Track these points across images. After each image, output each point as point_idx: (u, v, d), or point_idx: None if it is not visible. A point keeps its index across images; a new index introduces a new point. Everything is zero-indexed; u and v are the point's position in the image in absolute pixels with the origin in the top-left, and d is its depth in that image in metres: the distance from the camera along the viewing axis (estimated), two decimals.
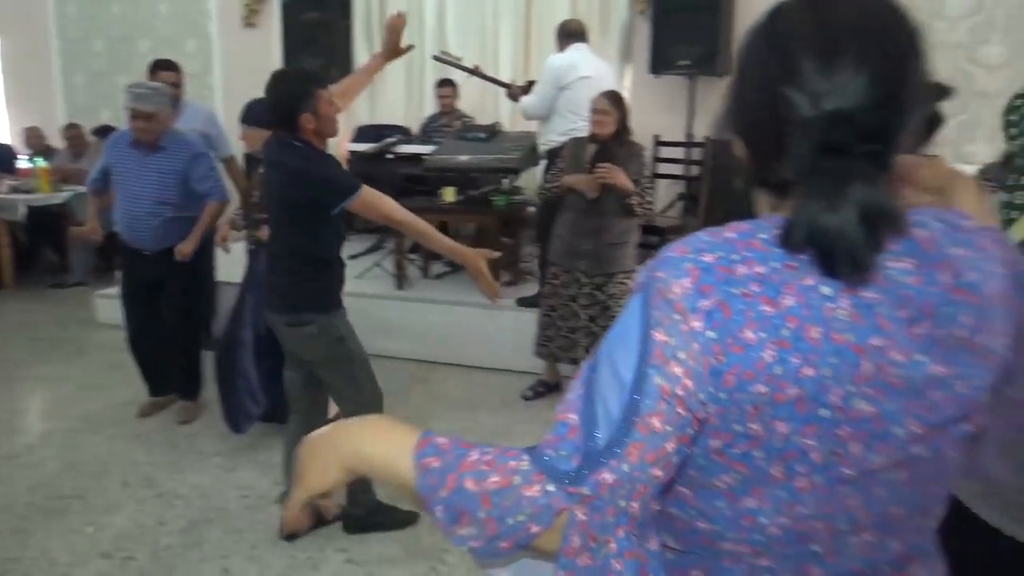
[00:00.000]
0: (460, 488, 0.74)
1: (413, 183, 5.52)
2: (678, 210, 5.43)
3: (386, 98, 6.67)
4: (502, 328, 4.33)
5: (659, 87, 5.66)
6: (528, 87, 4.77)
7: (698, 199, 4.84)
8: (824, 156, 0.70)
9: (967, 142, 5.28)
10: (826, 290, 0.71)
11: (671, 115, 5.51)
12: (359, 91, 3.05)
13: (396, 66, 6.53)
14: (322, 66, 6.22)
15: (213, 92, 6.95)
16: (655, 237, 4.63)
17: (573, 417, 0.74)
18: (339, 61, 6.32)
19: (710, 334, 0.70)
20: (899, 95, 0.70)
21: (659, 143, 5.24)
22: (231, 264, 3.89)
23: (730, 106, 0.80)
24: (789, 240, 0.72)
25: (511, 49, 6.25)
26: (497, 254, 2.49)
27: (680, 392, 0.70)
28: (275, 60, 6.56)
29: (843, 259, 0.70)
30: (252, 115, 3.23)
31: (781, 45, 0.73)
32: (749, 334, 0.70)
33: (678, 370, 0.70)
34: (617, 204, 3.57)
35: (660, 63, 5.35)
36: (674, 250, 0.75)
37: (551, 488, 0.72)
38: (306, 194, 2.42)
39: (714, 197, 4.60)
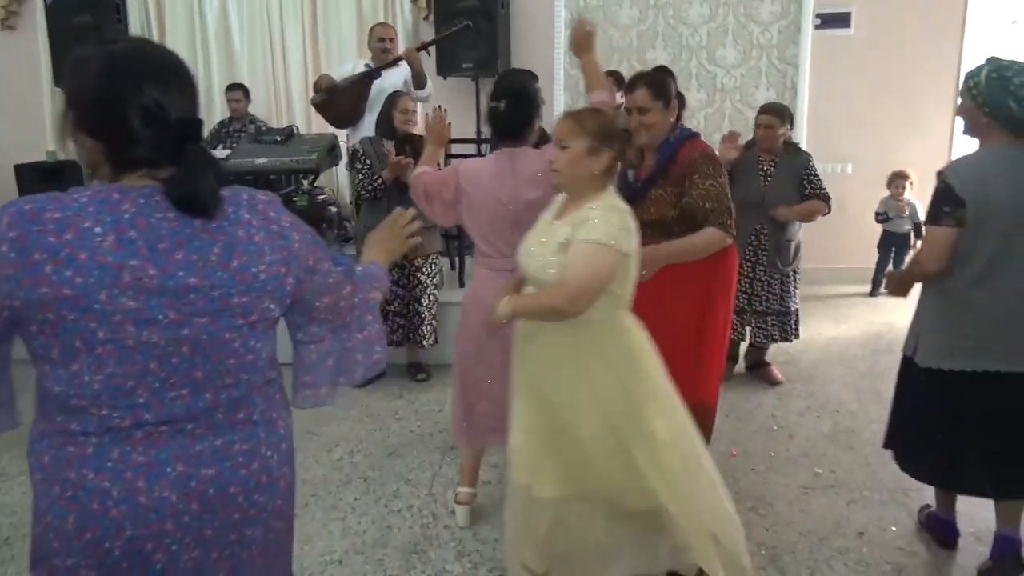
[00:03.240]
0: None
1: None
2: None
3: None
4: None
5: (447, 89, 5.99)
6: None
7: None
8: (182, 143, 1.15)
9: (715, 131, 6.11)
10: (97, 230, 1.11)
11: (459, 115, 5.84)
12: None
13: None
14: None
15: None
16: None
17: None
18: None
19: (11, 255, 1.09)
20: (196, 109, 1.21)
21: (449, 140, 5.54)
22: None
23: (75, 116, 1.17)
24: (171, 194, 1.14)
25: (299, 51, 6.31)
26: None
27: None
28: (42, 66, 6.18)
29: (198, 205, 1.15)
30: None
31: (127, 76, 1.14)
32: (36, 255, 1.09)
33: None
34: None
35: (446, 66, 5.70)
36: (21, 201, 1.13)
37: None
38: None
39: None
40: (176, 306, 1.14)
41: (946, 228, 2.28)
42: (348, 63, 5.12)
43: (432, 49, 5.67)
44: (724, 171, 2.60)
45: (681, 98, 2.70)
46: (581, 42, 2.69)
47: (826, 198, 3.89)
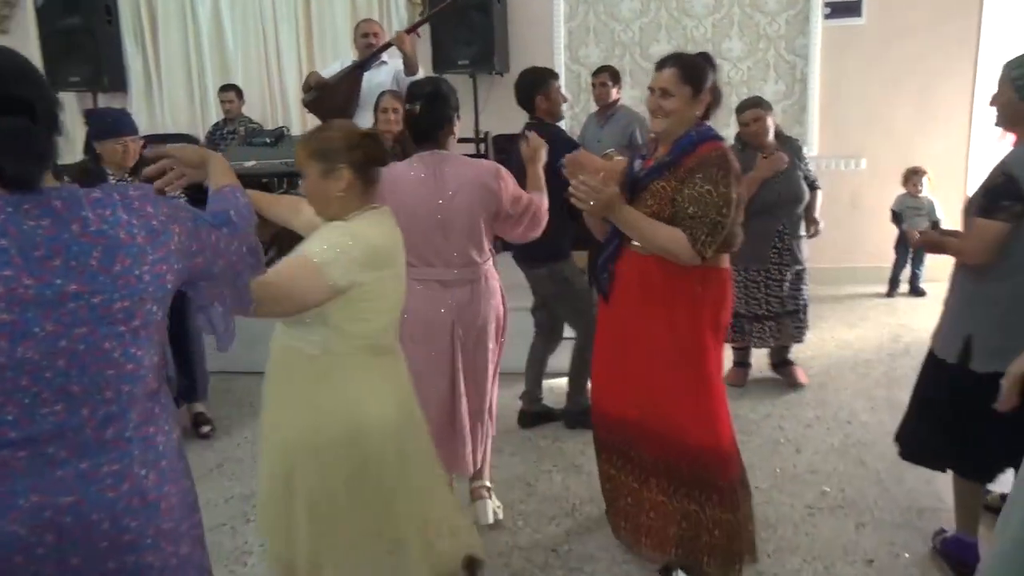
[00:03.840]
0: None
1: (200, 192, 5.32)
2: None
3: (167, 106, 6.37)
4: None
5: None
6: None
7: None
8: None
9: (722, 127, 5.90)
10: None
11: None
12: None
13: (176, 71, 6.30)
14: (91, 75, 5.86)
15: None
16: None
17: None
18: (110, 69, 5.98)
19: None
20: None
21: None
22: None
23: None
24: None
25: (293, 50, 6.17)
26: None
27: None
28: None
29: (9, 180, 1.08)
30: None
31: None
32: None
33: None
34: None
35: (442, 62, 5.54)
36: None
37: None
38: None
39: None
40: (54, 317, 1.09)
41: (1001, 223, 2.13)
42: (336, 62, 4.97)
43: (427, 45, 5.54)
44: (734, 186, 2.18)
45: (717, 94, 2.34)
46: (530, 156, 2.63)
47: (815, 186, 3.97)
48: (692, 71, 2.25)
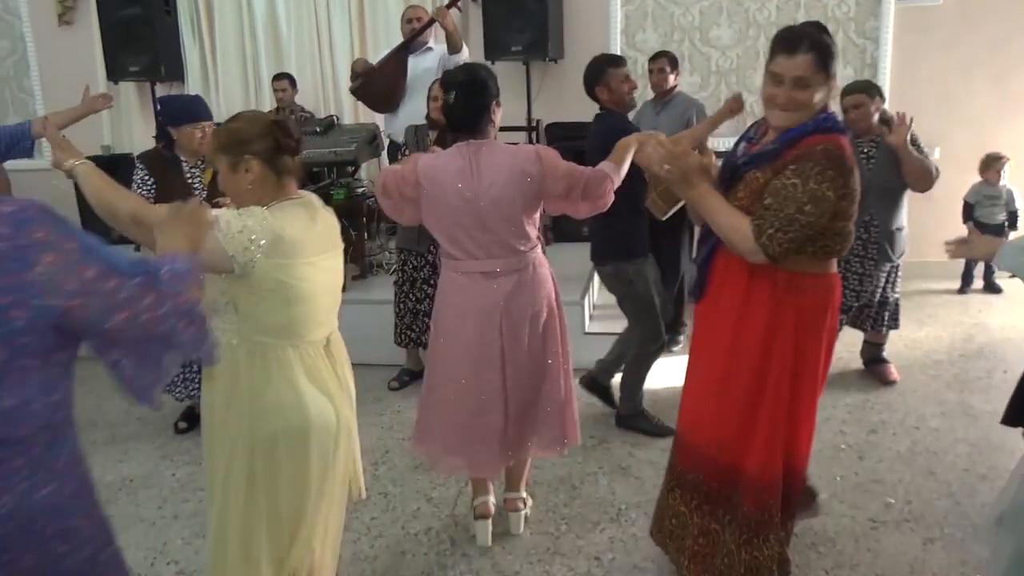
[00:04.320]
0: None
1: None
2: None
3: (223, 94, 6.42)
4: (360, 324, 4.27)
5: (495, 73, 5.73)
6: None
7: None
8: None
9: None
10: None
11: (510, 101, 5.55)
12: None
13: (231, 60, 6.34)
14: (149, 64, 5.93)
15: (32, 95, 6.50)
16: None
17: None
18: (167, 59, 6.04)
19: None
20: None
21: (500, 128, 5.28)
22: None
23: None
24: None
25: (346, 39, 6.14)
26: None
27: None
28: (96, 59, 6.18)
29: None
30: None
31: None
32: None
33: None
34: None
35: (494, 49, 5.41)
36: None
37: None
38: None
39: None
40: None
41: None
42: (388, 51, 4.91)
43: (479, 31, 5.43)
44: (831, 186, 1.87)
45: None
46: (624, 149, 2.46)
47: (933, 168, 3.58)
48: (829, 55, 1.91)
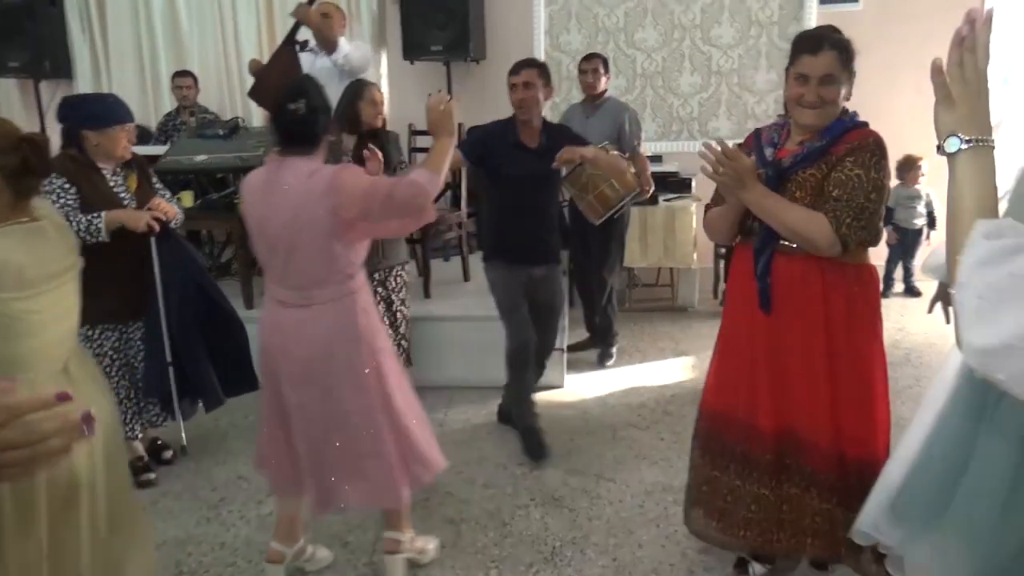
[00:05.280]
0: None
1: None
2: (444, 200, 5.28)
3: (117, 93, 5.93)
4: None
5: (414, 73, 5.47)
6: None
7: (459, 187, 4.69)
8: None
9: (710, 118, 5.59)
10: None
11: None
12: None
13: (126, 57, 5.86)
14: (32, 60, 5.43)
15: None
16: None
17: None
18: (53, 54, 5.54)
19: None
20: None
21: (414, 132, 5.03)
22: None
23: None
24: None
25: (254, 34, 5.76)
26: None
27: None
28: None
29: None
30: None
31: None
32: None
33: None
34: None
35: (413, 49, 5.18)
36: None
37: None
38: None
39: (473, 184, 4.47)
40: None
41: None
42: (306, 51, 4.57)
43: (397, 29, 5.16)
44: (886, 175, 1.99)
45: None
46: (437, 123, 2.22)
47: None
48: (850, 52, 2.00)
